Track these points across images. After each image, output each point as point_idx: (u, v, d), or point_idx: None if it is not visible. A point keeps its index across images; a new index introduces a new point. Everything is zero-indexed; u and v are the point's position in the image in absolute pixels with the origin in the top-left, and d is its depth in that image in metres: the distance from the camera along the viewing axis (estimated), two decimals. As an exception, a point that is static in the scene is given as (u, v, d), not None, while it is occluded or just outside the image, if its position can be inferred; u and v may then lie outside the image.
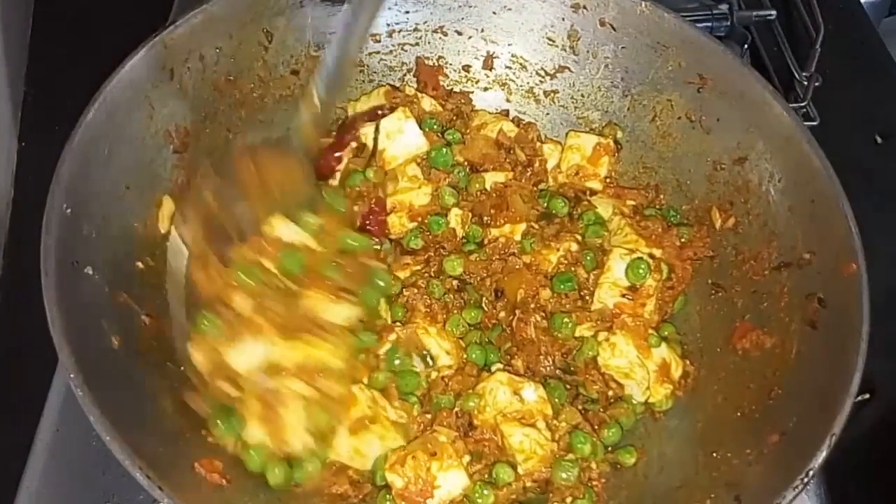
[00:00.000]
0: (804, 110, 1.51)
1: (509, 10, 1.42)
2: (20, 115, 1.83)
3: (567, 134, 1.45)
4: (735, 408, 1.16)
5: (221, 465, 1.05)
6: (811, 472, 0.98)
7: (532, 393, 1.18)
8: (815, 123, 1.48)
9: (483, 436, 1.18)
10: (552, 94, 1.47)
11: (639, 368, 1.21)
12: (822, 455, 0.99)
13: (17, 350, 1.48)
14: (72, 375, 0.95)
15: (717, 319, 1.28)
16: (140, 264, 1.18)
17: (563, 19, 1.41)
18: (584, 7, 1.38)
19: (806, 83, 1.51)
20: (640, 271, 1.23)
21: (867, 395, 1.06)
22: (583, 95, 1.46)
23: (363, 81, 1.46)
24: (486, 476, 1.15)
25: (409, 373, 1.19)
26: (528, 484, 1.16)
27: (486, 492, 1.12)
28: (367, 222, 1.32)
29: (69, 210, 1.06)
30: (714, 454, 1.13)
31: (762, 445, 1.08)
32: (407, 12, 1.42)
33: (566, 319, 1.23)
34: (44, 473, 1.21)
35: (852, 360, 1.03)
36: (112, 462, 0.92)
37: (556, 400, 1.20)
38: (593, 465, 1.17)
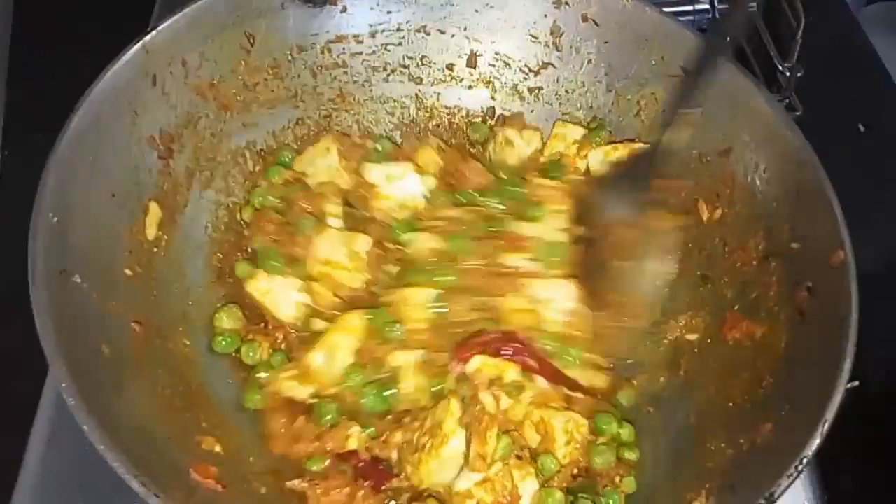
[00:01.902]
0: (787, 101, 1.51)
1: (492, 7, 1.42)
2: (2, 123, 1.82)
3: (554, 123, 1.45)
4: (727, 398, 1.17)
5: (216, 471, 1.05)
6: (805, 460, 0.98)
7: None
8: (798, 114, 1.49)
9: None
10: (537, 91, 1.47)
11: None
12: (815, 443, 0.99)
13: (4, 361, 1.47)
14: (63, 385, 0.95)
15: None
16: (128, 271, 1.17)
17: (546, 16, 1.41)
18: (566, 3, 1.39)
19: (788, 74, 1.52)
20: None
21: (857, 383, 1.06)
22: (567, 91, 1.46)
23: (347, 82, 1.45)
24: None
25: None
26: (574, 471, 1.17)
27: (554, 496, 1.12)
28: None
29: (55, 219, 1.06)
30: (707, 445, 1.14)
31: (755, 435, 1.08)
32: (389, 12, 1.42)
33: None
34: (36, 485, 1.21)
35: (842, 347, 1.04)
36: (105, 472, 0.91)
37: None
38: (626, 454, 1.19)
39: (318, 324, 1.25)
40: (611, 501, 1.14)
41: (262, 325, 1.28)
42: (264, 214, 1.33)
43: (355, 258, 1.28)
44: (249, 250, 1.35)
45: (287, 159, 1.40)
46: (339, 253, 1.27)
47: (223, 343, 1.24)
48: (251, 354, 1.24)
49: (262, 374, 1.22)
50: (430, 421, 1.14)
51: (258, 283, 1.27)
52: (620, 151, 1.37)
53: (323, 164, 1.36)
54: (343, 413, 1.17)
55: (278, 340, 1.26)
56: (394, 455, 1.16)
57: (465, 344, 1.20)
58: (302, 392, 1.17)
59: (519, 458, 1.16)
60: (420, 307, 1.22)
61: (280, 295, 1.27)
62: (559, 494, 1.12)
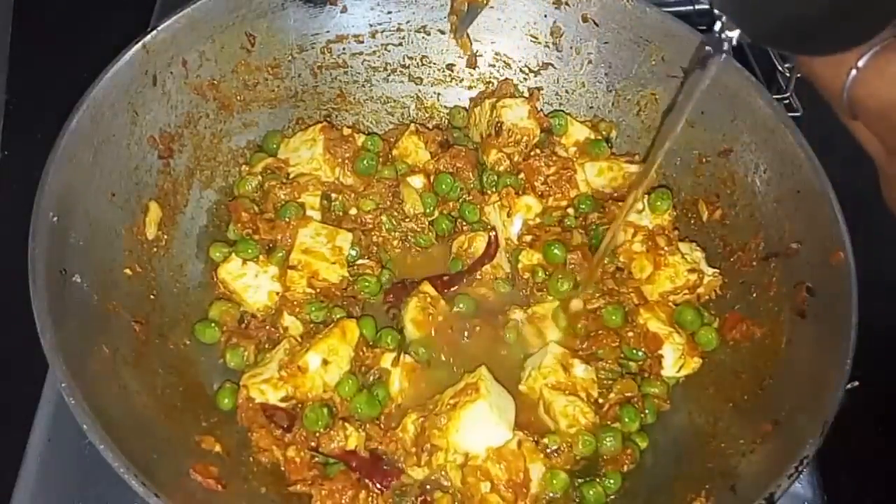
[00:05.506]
0: (787, 101, 1.51)
1: (492, 7, 1.42)
2: (2, 123, 1.82)
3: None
4: (727, 398, 1.17)
5: (216, 471, 1.05)
6: (805, 461, 0.98)
7: (582, 370, 1.21)
8: (798, 114, 1.49)
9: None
10: (537, 92, 1.47)
11: (675, 335, 1.23)
12: (815, 443, 0.99)
13: (5, 360, 1.47)
14: (63, 384, 0.95)
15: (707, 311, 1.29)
16: (128, 271, 1.17)
17: (546, 16, 1.41)
18: (567, 3, 1.38)
19: (788, 74, 1.52)
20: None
21: (857, 383, 1.06)
22: (567, 91, 1.46)
23: (347, 82, 1.46)
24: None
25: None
26: (578, 454, 1.17)
27: (559, 477, 1.14)
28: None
29: (55, 218, 1.06)
30: (708, 445, 1.14)
31: (756, 435, 1.08)
32: (389, 12, 1.42)
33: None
34: (36, 484, 1.20)
35: (842, 347, 1.04)
36: (105, 471, 0.92)
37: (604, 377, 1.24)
38: (637, 441, 1.20)
39: (288, 319, 1.25)
40: (611, 481, 1.15)
41: (244, 325, 1.26)
42: (241, 203, 1.32)
43: (337, 253, 1.28)
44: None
45: (274, 146, 1.40)
46: (320, 244, 1.28)
47: (202, 330, 1.23)
48: (236, 360, 1.22)
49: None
50: (454, 389, 1.16)
51: (230, 266, 1.26)
52: (615, 172, 1.37)
53: (306, 155, 1.36)
54: (333, 416, 1.17)
55: (262, 342, 1.24)
56: (406, 440, 1.16)
57: None
58: (273, 396, 1.16)
59: (536, 442, 1.16)
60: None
61: (252, 281, 1.26)
62: (563, 475, 1.14)
